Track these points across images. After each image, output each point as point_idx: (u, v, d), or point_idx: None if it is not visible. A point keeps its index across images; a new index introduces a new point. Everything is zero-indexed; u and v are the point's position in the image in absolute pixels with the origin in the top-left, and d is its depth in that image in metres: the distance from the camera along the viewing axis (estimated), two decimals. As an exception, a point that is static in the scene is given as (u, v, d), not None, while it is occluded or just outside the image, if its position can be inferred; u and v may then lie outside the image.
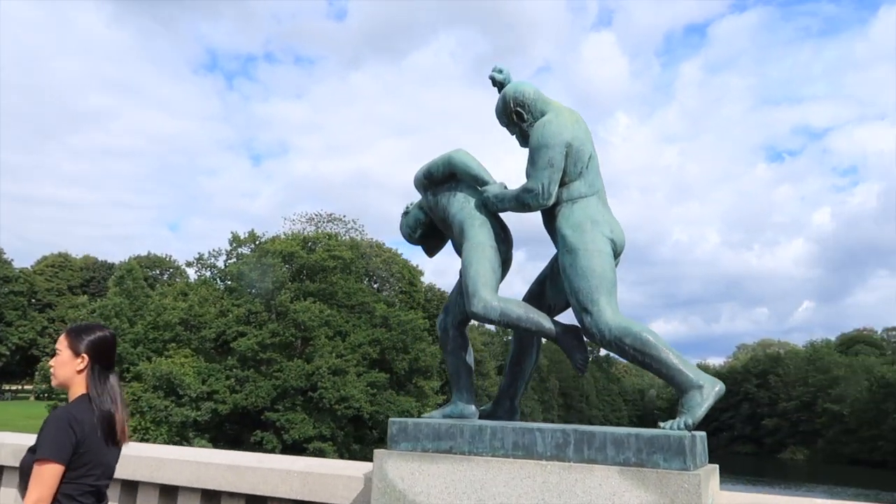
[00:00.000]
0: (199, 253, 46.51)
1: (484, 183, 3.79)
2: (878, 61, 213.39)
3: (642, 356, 3.16)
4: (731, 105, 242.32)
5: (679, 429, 3.00)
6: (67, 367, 2.67)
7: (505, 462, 3.16)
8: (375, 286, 60.70)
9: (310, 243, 49.56)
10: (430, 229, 4.15)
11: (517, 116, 3.66)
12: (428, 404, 53.01)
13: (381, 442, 48.50)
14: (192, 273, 50.05)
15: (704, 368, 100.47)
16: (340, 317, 46.40)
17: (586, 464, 3.03)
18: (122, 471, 4.32)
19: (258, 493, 3.90)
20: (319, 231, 54.20)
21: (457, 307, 3.85)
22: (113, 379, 2.74)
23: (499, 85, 3.94)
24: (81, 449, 2.52)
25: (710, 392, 3.07)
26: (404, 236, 4.24)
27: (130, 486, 4.50)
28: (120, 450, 2.78)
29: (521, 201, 3.53)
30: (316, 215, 60.12)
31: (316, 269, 47.72)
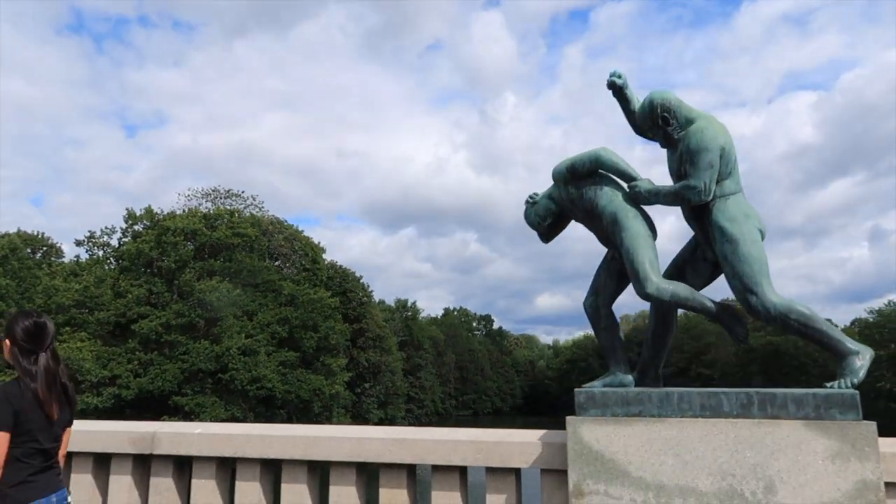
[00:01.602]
0: (90, 231, 43.55)
1: (631, 178, 4.21)
2: (740, 52, 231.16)
3: (805, 329, 3.71)
4: (606, 91, 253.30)
5: (847, 387, 3.58)
6: (5, 351, 3.12)
7: (696, 421, 3.64)
8: (277, 263, 59.35)
9: (211, 220, 47.68)
10: (557, 219, 4.53)
11: (663, 121, 4.09)
12: (336, 381, 52.97)
13: (290, 421, 47.91)
14: (82, 252, 46.71)
15: (589, 339, 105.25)
16: (247, 296, 45.19)
17: (772, 419, 3.57)
18: (270, 451, 4.46)
19: (426, 461, 4.17)
20: (220, 207, 52.14)
21: (607, 289, 4.27)
22: (42, 359, 3.07)
23: (618, 89, 4.36)
24: (20, 418, 2.93)
25: (865, 356, 3.67)
26: (531, 223, 4.58)
27: (269, 466, 4.61)
28: (59, 421, 3.13)
29: (682, 196, 3.98)
30: (213, 191, 57.73)
31: (219, 246, 46.09)
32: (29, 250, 69.03)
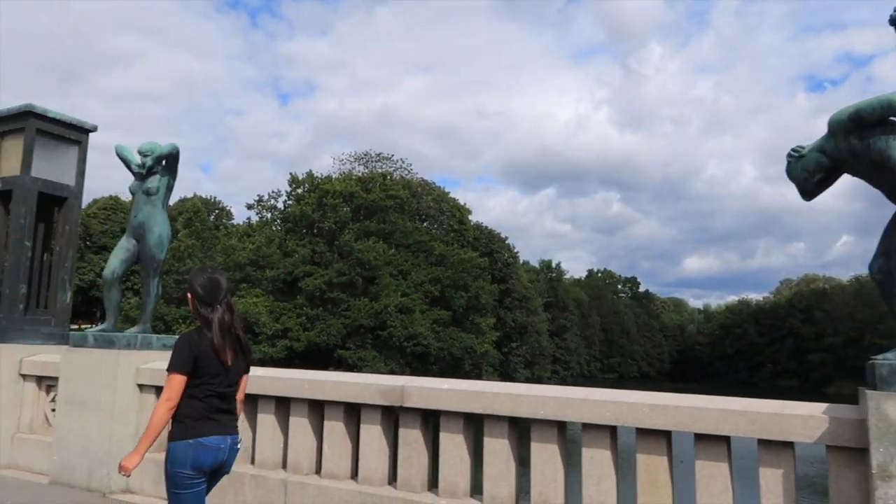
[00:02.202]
0: (258, 195, 46.84)
1: None
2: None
3: None
4: (769, 33, 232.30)
5: None
6: (190, 304, 3.40)
7: None
8: (426, 224, 60.86)
9: (366, 183, 49.62)
10: (829, 173, 4.06)
11: None
12: (485, 340, 53.87)
13: (442, 376, 49.63)
14: (252, 214, 50.55)
15: (744, 304, 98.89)
16: (401, 256, 46.81)
17: None
18: (520, 409, 4.48)
19: (691, 430, 3.98)
20: (372, 170, 54.06)
21: None
22: (217, 311, 3.30)
23: None
24: (199, 363, 3.18)
25: None
26: (796, 179, 4.14)
27: (516, 424, 4.65)
28: (234, 367, 3.34)
29: None
30: (365, 154, 59.99)
31: (374, 208, 47.92)
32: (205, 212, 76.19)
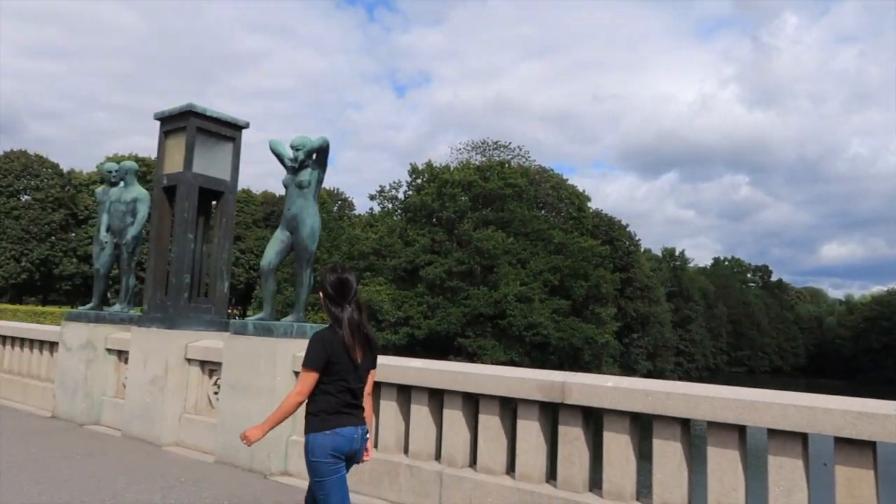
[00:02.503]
0: (380, 185, 48.08)
1: None
2: None
3: None
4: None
5: None
6: (322, 301, 3.48)
7: None
8: (543, 212, 60.09)
9: (484, 171, 49.64)
10: None
11: None
12: (606, 331, 52.54)
13: (561, 366, 48.97)
14: (374, 205, 52.04)
15: (894, 295, 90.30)
16: (519, 245, 46.51)
17: None
18: (696, 412, 4.16)
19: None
20: (489, 159, 53.98)
21: None
22: (347, 310, 3.37)
23: None
24: (332, 360, 3.29)
25: None
26: None
27: (687, 426, 4.35)
28: (363, 364, 3.43)
29: None
30: (482, 143, 59.99)
31: (493, 197, 47.86)
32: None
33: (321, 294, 3.49)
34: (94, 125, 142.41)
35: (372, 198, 52.09)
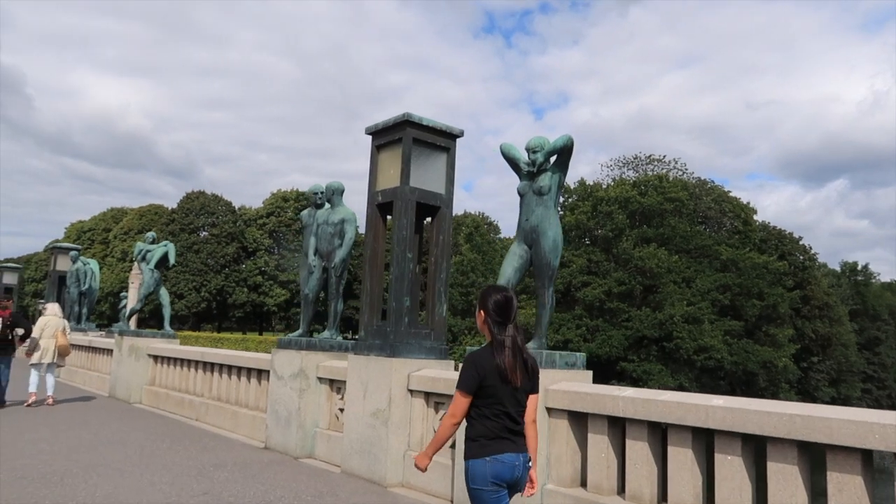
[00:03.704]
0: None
1: None
2: None
3: None
4: None
5: None
6: (478, 320, 3.38)
7: None
8: (704, 227, 56.21)
9: (639, 186, 47.21)
10: None
11: None
12: (783, 354, 47.76)
13: (734, 393, 44.98)
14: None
15: None
16: (683, 262, 43.51)
17: None
18: None
19: None
20: (646, 173, 51.36)
21: None
22: (509, 330, 3.25)
23: None
24: (485, 383, 3.18)
25: None
26: None
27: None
28: (522, 388, 3.26)
29: None
30: (634, 158, 57.40)
31: (651, 213, 45.31)
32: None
33: (481, 313, 3.33)
34: (258, 166, 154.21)
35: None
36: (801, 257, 60.24)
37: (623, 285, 41.24)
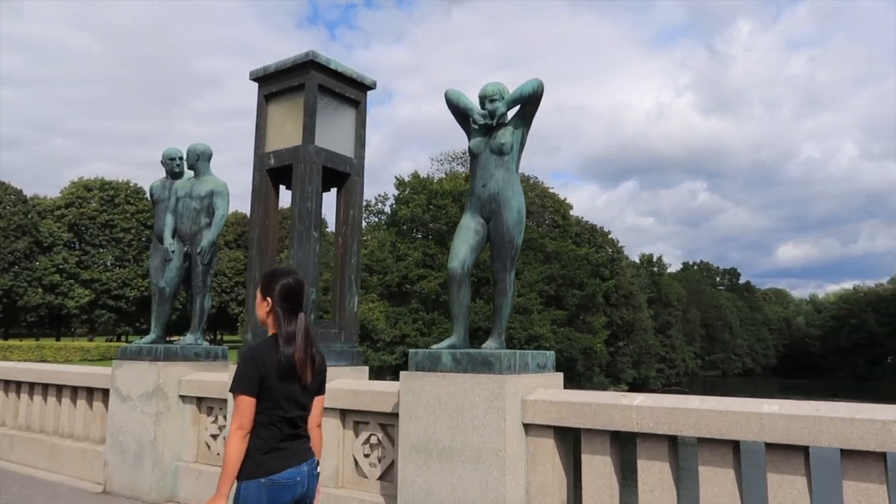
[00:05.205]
0: (366, 200, 45.77)
1: None
2: None
3: None
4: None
5: None
6: (259, 309, 2.90)
7: None
8: (528, 221, 58.67)
9: (471, 181, 47.90)
10: None
11: None
12: (597, 340, 51.17)
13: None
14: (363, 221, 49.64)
15: (860, 293, 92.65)
16: (512, 255, 44.79)
17: None
18: None
19: None
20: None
21: None
22: (302, 320, 2.86)
23: None
24: (266, 383, 2.70)
25: None
26: None
27: None
28: (309, 387, 2.86)
29: None
30: (463, 153, 58.36)
31: (483, 207, 46.07)
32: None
33: (265, 301, 2.85)
34: (55, 152, 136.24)
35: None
36: (611, 250, 65.10)
37: (458, 278, 41.43)
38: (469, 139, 4.93)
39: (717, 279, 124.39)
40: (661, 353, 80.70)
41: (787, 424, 3.44)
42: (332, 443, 5.30)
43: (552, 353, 4.99)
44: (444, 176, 48.79)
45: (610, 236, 67.08)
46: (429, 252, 42.71)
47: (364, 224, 50.28)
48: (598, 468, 4.12)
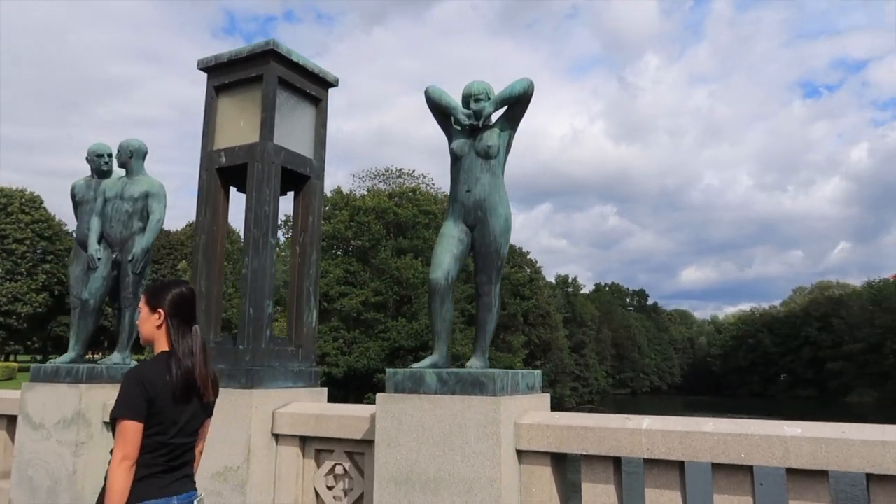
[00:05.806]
0: (285, 214, 44.44)
1: None
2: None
3: None
4: (764, 41, 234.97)
5: None
6: (147, 324, 2.68)
7: None
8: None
9: (395, 198, 47.47)
10: None
11: None
12: (517, 359, 51.56)
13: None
14: (280, 235, 48.07)
15: (756, 314, 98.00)
16: (435, 273, 44.58)
17: None
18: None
19: None
20: (402, 185, 51.97)
21: None
22: (196, 333, 2.67)
23: None
24: (154, 408, 2.48)
25: None
26: None
27: None
28: (205, 404, 2.69)
29: None
30: (385, 171, 57.92)
31: (407, 224, 45.69)
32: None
33: (156, 314, 2.64)
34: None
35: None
36: (529, 270, 66.10)
37: (380, 295, 40.73)
38: (450, 141, 4.55)
39: (627, 300, 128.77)
40: (576, 371, 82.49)
41: (813, 448, 3.21)
42: (289, 474, 4.73)
43: (539, 372, 4.65)
44: (366, 193, 48.06)
45: (528, 257, 68.12)
46: (350, 269, 41.84)
47: (281, 239, 48.83)
48: (602, 498, 3.77)
